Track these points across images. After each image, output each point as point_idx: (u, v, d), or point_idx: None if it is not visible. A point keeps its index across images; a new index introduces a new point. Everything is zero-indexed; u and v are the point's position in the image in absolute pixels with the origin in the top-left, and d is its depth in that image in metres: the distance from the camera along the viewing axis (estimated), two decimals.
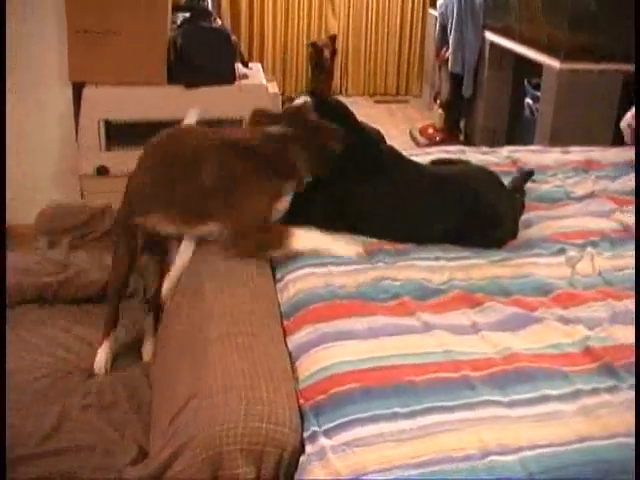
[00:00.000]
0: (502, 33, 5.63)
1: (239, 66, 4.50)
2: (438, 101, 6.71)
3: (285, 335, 1.95)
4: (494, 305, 2.07)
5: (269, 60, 7.71)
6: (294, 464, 1.58)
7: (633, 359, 1.84)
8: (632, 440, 1.56)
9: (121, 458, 1.94)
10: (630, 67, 4.45)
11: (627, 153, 3.42)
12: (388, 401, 1.64)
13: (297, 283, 2.15)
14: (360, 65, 8.07)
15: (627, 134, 3.54)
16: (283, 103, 5.49)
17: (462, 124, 6.47)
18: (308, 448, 1.57)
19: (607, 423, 1.62)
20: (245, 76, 4.50)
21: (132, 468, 1.88)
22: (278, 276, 2.24)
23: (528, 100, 5.42)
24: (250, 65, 4.77)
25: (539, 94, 5.05)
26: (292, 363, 1.82)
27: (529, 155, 3.35)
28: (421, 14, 7.93)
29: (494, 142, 5.40)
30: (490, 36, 5.82)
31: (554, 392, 1.71)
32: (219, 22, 5.04)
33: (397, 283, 2.16)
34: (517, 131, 5.68)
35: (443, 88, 6.55)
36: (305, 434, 1.60)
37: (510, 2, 5.54)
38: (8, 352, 2.17)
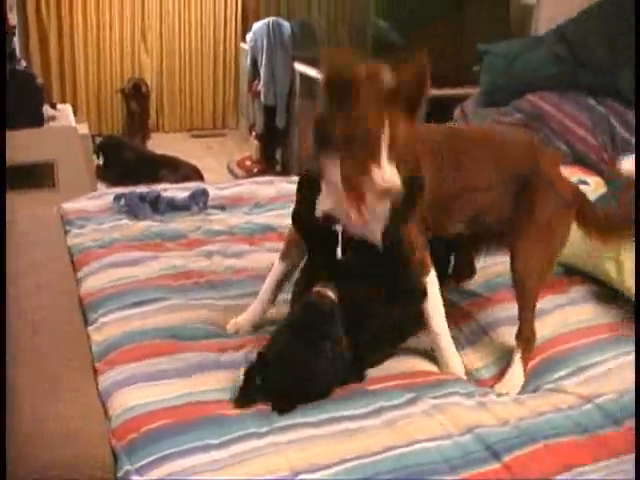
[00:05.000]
0: (311, 64, 5.77)
1: (47, 108, 4.45)
2: (254, 133, 6.80)
3: (96, 377, 1.93)
4: None
5: (82, 100, 7.54)
6: None
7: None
8: (432, 444, 1.67)
9: None
10: (451, 91, 4.54)
11: None
12: (200, 433, 1.67)
13: (112, 326, 2.15)
14: (176, 101, 8.04)
15: None
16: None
17: (278, 154, 6.59)
18: None
19: (408, 431, 1.71)
20: (53, 118, 4.45)
21: None
22: (91, 318, 2.23)
23: None
24: (59, 107, 4.72)
25: None
26: (103, 404, 1.81)
27: None
28: (234, 48, 8.01)
29: None
30: (300, 67, 5.96)
31: (358, 411, 1.77)
32: (24, 64, 4.97)
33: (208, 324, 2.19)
34: None
35: (258, 120, 6.64)
36: (118, 474, 1.60)
37: (317, 34, 5.71)
38: None
